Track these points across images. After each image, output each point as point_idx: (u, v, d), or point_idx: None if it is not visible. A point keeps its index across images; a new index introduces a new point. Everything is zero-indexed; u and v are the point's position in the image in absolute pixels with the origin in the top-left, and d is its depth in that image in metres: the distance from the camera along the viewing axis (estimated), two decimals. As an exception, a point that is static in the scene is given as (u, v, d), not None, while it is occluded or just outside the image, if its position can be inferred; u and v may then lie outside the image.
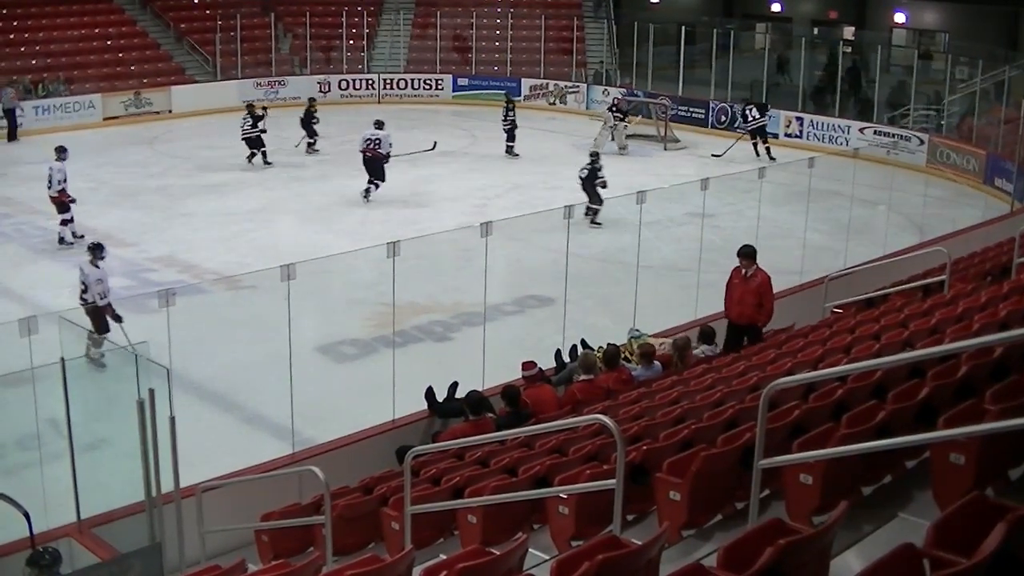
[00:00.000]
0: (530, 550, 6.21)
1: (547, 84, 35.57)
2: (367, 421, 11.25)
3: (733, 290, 12.88)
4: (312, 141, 28.00)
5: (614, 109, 29.42)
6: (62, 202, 19.50)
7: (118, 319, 14.09)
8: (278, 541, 9.29)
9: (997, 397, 6.19)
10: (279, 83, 34.78)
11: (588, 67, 36.54)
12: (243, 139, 26.26)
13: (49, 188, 19.49)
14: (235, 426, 12.96)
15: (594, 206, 20.52)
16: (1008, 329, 8.34)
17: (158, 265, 18.64)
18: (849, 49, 34.16)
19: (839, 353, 9.82)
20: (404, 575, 5.88)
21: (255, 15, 36.42)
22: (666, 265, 17.65)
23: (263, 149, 26.33)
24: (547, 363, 11.92)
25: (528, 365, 11.31)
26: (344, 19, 36.53)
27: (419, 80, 36.41)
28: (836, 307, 13.67)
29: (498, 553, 5.65)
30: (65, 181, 19.46)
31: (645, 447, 7.72)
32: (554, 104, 35.01)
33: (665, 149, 29.33)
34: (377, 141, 23.32)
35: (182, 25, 35.45)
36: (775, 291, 13.13)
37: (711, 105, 32.18)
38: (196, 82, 34.00)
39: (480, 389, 11.01)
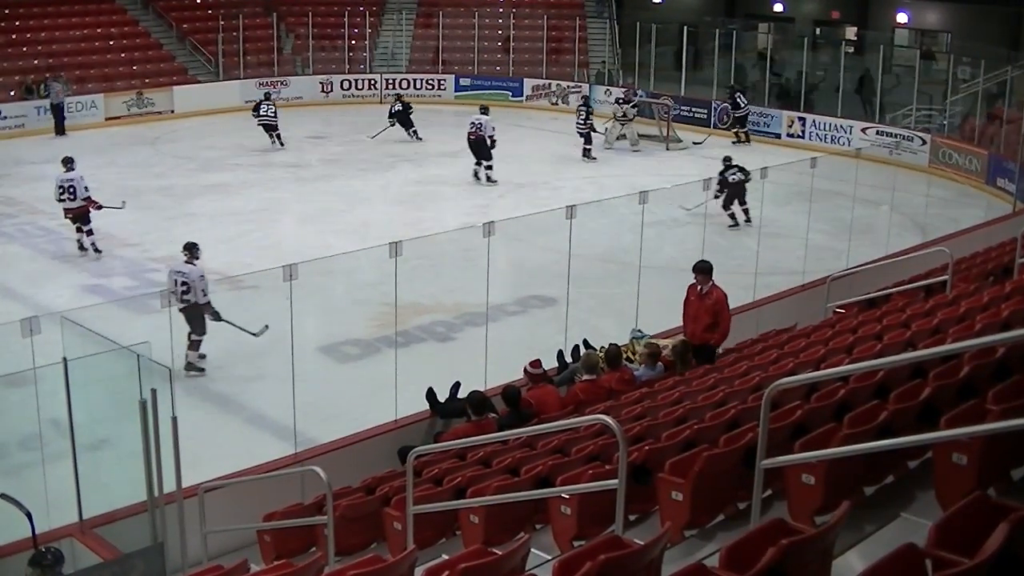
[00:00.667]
0: (532, 550, 6.21)
1: (549, 84, 35.58)
2: (369, 421, 11.25)
3: (688, 307, 12.30)
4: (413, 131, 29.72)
5: (621, 101, 29.51)
6: (85, 212, 18.93)
7: (217, 317, 14.19)
8: (280, 541, 9.30)
9: (999, 397, 6.19)
10: (281, 83, 34.80)
11: (590, 67, 36.54)
12: (260, 124, 28.16)
13: (72, 199, 18.76)
14: (237, 426, 12.96)
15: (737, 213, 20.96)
16: (1010, 329, 8.33)
17: (161, 265, 18.58)
18: (851, 49, 34.12)
19: (841, 353, 9.82)
20: (406, 575, 5.88)
21: (257, 15, 36.44)
22: (668, 265, 17.64)
23: (276, 132, 28.23)
24: (549, 363, 11.91)
25: (535, 364, 11.32)
26: (346, 19, 36.54)
27: (421, 80, 36.41)
28: (838, 307, 13.66)
29: (500, 553, 5.65)
30: (88, 189, 18.95)
31: (647, 447, 7.72)
32: (556, 104, 35.00)
33: (667, 149, 29.33)
34: (480, 124, 25.24)
35: (184, 25, 35.46)
36: (732, 306, 12.61)
37: (713, 105, 32.17)
38: (198, 82, 34.02)
39: (482, 389, 11.00)
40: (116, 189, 23.75)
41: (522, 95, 35.48)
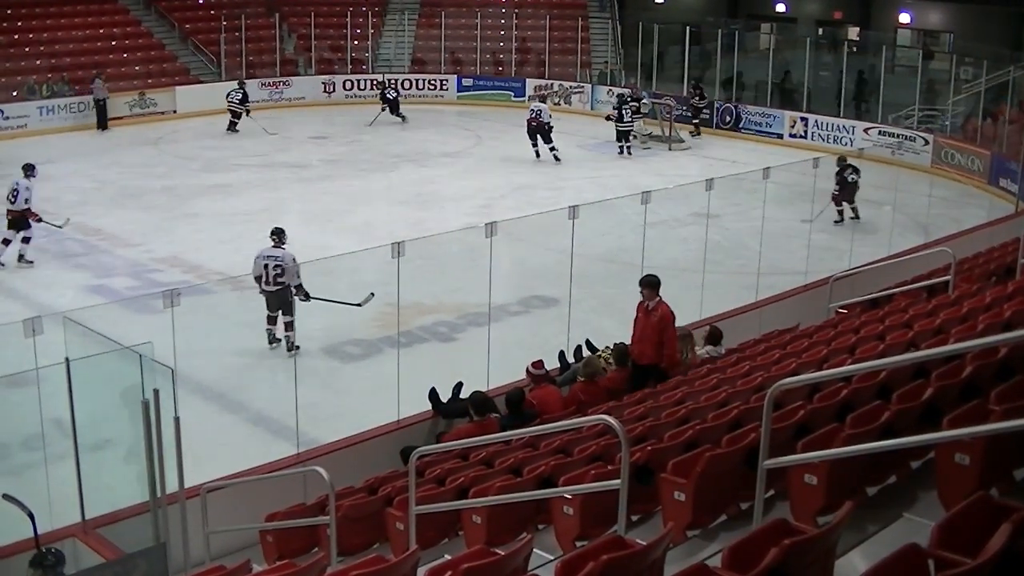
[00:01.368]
0: (535, 550, 6.22)
1: (552, 84, 35.55)
2: (372, 421, 11.24)
3: (635, 326, 11.54)
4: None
5: (630, 99, 29.58)
6: (24, 219, 18.70)
7: (308, 297, 14.52)
8: (283, 541, 9.30)
9: (1002, 397, 6.19)
10: (284, 83, 34.81)
11: (593, 67, 36.55)
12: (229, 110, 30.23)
13: (12, 204, 18.60)
14: (240, 426, 12.96)
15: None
16: (1012, 329, 8.33)
17: (163, 265, 18.65)
18: (854, 49, 34.10)
19: (844, 353, 9.82)
20: (408, 575, 5.88)
21: (260, 15, 36.45)
22: (671, 266, 17.63)
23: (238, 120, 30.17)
24: (551, 364, 11.91)
25: (538, 364, 11.32)
26: (349, 19, 36.54)
27: (423, 80, 36.42)
28: (840, 307, 13.66)
29: (503, 553, 5.65)
30: (30, 200, 18.74)
31: (650, 447, 7.72)
32: (559, 104, 34.95)
33: (670, 149, 29.33)
34: (539, 112, 27.21)
35: (187, 25, 35.48)
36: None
37: (716, 105, 32.17)
38: (201, 82, 34.02)
39: (485, 389, 11.01)
40: (118, 189, 23.85)
41: (524, 95, 35.44)
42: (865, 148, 25.65)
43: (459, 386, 11.39)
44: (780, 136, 30.83)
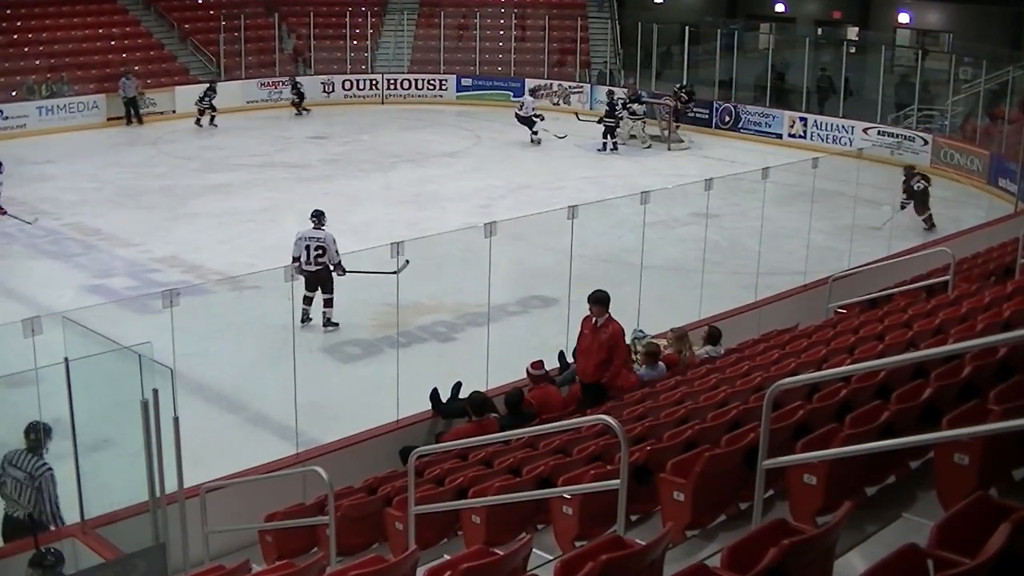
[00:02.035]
0: (534, 550, 6.22)
1: (551, 84, 35.55)
2: (371, 421, 11.24)
3: (581, 342, 11.29)
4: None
5: (630, 99, 29.68)
6: None
7: (344, 271, 15.32)
8: (282, 541, 9.30)
9: (1001, 397, 6.19)
10: (283, 83, 34.79)
11: (592, 67, 36.53)
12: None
13: None
14: (239, 426, 12.97)
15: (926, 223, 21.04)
16: (1012, 329, 8.33)
17: (162, 265, 18.64)
18: (853, 50, 34.11)
19: (843, 353, 9.82)
20: (408, 575, 5.88)
21: (259, 15, 36.42)
22: (670, 266, 17.64)
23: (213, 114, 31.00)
24: (550, 364, 11.90)
25: (537, 364, 11.32)
26: (348, 19, 36.50)
27: (423, 80, 36.40)
28: (840, 307, 13.66)
29: (502, 553, 5.65)
30: None
31: (649, 447, 7.73)
32: (558, 104, 34.97)
33: (669, 149, 29.34)
34: (521, 104, 30.21)
35: (186, 25, 35.46)
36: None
37: (715, 105, 32.17)
38: (200, 82, 33.93)
39: (484, 389, 11.01)
40: (117, 189, 23.84)
41: (523, 95, 35.44)
42: (864, 148, 25.64)
43: (458, 386, 11.38)
44: (779, 136, 30.84)
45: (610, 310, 11.13)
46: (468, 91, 36.12)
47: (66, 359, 8.59)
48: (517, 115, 29.70)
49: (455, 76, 36.38)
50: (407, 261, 14.29)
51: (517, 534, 7.41)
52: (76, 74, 32.03)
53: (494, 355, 12.09)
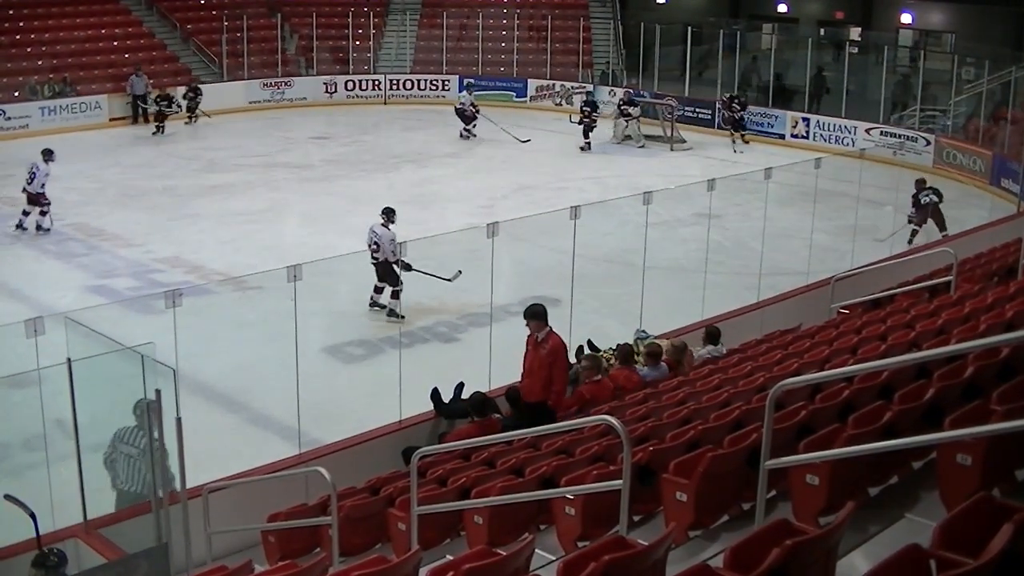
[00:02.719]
0: (536, 551, 6.22)
1: (553, 84, 35.56)
2: (374, 422, 11.24)
3: (525, 359, 10.90)
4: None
5: (622, 104, 29.68)
6: (35, 200, 20.30)
7: (408, 267, 15.44)
8: (284, 542, 9.30)
9: (1003, 398, 6.20)
10: (285, 84, 34.81)
11: (594, 67, 36.53)
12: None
13: (29, 184, 20.23)
14: (241, 427, 12.97)
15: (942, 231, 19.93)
16: (1014, 330, 8.34)
17: (164, 266, 18.65)
18: (855, 50, 34.11)
19: (845, 354, 9.82)
20: (410, 575, 5.89)
21: (261, 16, 36.43)
22: (672, 266, 17.64)
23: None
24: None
25: None
26: (350, 20, 36.51)
27: (425, 80, 36.41)
28: (842, 308, 13.65)
29: (505, 554, 5.65)
30: (45, 185, 20.29)
31: (652, 448, 7.73)
32: (560, 105, 34.96)
33: (671, 150, 29.35)
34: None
35: (188, 26, 35.47)
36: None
37: (717, 106, 32.17)
38: (202, 83, 33.95)
39: (486, 390, 11.01)
40: (120, 189, 23.86)
41: (526, 95, 35.48)
42: (866, 148, 25.64)
43: (460, 386, 11.39)
44: (782, 136, 30.83)
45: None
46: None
47: (69, 360, 8.60)
48: (456, 109, 30.33)
49: (457, 76, 36.34)
50: (460, 272, 15.22)
51: (520, 534, 7.41)
52: (79, 74, 32.03)
53: (496, 355, 12.10)
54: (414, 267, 15.40)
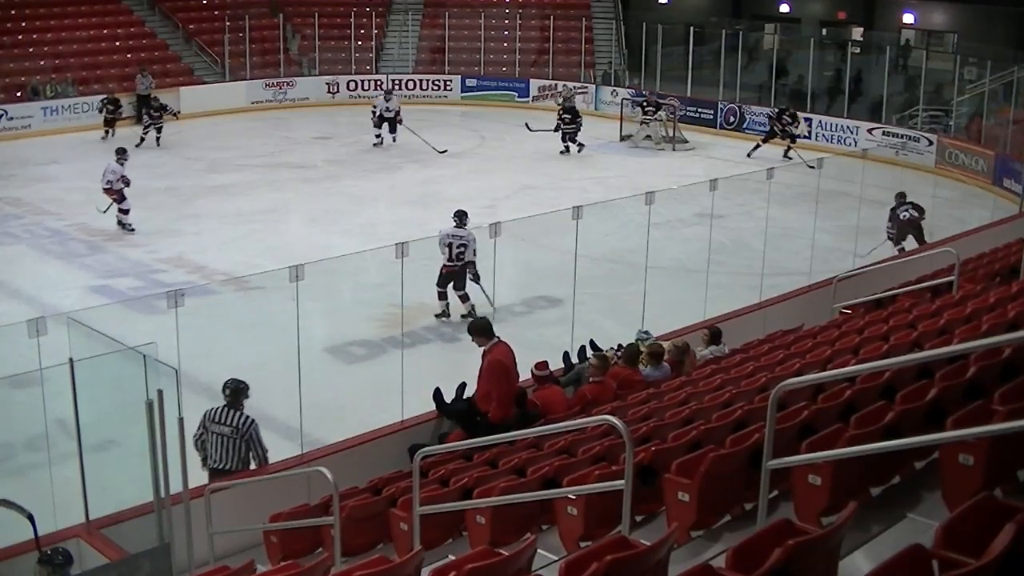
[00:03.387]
0: (539, 551, 6.22)
1: (556, 85, 35.55)
2: (376, 422, 11.24)
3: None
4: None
5: (645, 104, 29.64)
6: (112, 196, 20.53)
7: (477, 278, 15.85)
8: (287, 542, 9.30)
9: (1006, 398, 6.19)
10: (288, 84, 34.84)
11: (596, 68, 36.53)
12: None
13: (102, 182, 20.61)
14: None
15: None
16: (1017, 330, 8.34)
17: (167, 266, 18.67)
18: (858, 50, 34.10)
19: (848, 354, 9.81)
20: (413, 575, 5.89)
21: (264, 16, 36.46)
22: (675, 266, 17.63)
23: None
24: (555, 364, 11.90)
25: (541, 365, 11.32)
26: (353, 20, 36.56)
27: (427, 80, 36.43)
28: (845, 308, 13.64)
29: (507, 554, 5.65)
30: (115, 182, 20.51)
31: (654, 448, 7.72)
32: (562, 105, 34.93)
33: (674, 149, 29.36)
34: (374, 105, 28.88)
35: (191, 26, 35.50)
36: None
37: (719, 106, 32.17)
38: (205, 83, 34.06)
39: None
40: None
41: (528, 95, 35.48)
42: (869, 149, 25.63)
43: (463, 386, 11.38)
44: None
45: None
46: (473, 91, 36.14)
47: (71, 359, 8.61)
48: (381, 116, 28.73)
49: (460, 76, 36.40)
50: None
51: (522, 534, 7.41)
52: (81, 75, 32.07)
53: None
54: (479, 281, 15.89)
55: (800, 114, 29.03)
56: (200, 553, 9.18)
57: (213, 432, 10.11)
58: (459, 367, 12.65)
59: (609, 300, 16.05)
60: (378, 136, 28.65)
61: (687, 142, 29.94)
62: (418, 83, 36.29)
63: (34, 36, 32.85)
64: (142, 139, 28.21)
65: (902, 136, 27.98)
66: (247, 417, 10.18)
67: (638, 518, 7.27)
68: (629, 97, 31.86)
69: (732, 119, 31.91)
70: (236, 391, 10.26)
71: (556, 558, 6.67)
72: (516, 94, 35.70)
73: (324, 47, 36.52)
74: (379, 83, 35.67)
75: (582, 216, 12.69)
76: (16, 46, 32.05)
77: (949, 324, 9.97)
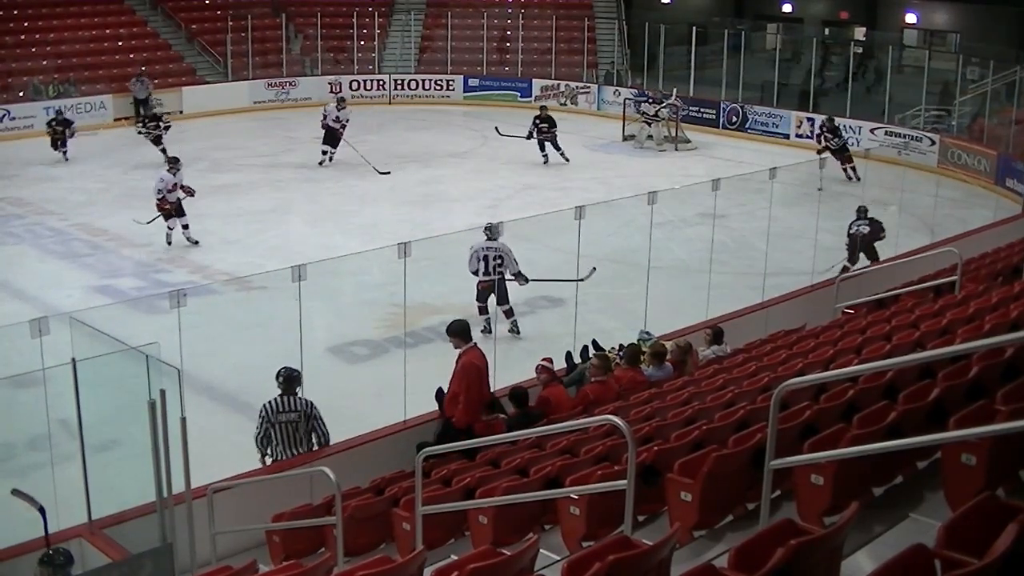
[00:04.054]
0: (541, 551, 6.21)
1: (558, 85, 35.55)
2: (378, 422, 11.25)
3: None
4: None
5: (652, 101, 29.62)
6: (164, 209, 19.77)
7: (526, 280, 15.52)
8: (289, 542, 9.31)
9: (1008, 398, 6.19)
10: (290, 84, 34.85)
11: (599, 68, 36.52)
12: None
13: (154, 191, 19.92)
14: (246, 426, 12.89)
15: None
16: (1019, 330, 8.34)
17: (169, 266, 18.68)
18: (860, 50, 34.09)
19: (850, 354, 9.81)
20: (415, 575, 5.89)
21: (266, 16, 36.48)
22: (677, 266, 17.63)
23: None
24: (558, 364, 11.90)
25: (543, 365, 11.31)
26: (355, 20, 36.56)
27: (430, 81, 36.42)
28: (847, 308, 13.64)
29: (509, 554, 5.65)
30: (166, 192, 19.66)
31: (656, 448, 7.72)
32: (565, 105, 34.93)
33: (676, 149, 29.35)
34: (325, 114, 26.88)
35: (193, 26, 35.53)
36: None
37: (722, 106, 32.16)
38: (207, 83, 34.07)
39: (491, 390, 11.00)
40: (124, 189, 23.86)
41: (531, 96, 35.45)
42: (871, 148, 25.61)
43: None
44: (786, 136, 30.80)
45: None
46: (475, 91, 36.12)
47: (73, 359, 8.61)
48: (329, 126, 26.66)
49: (462, 76, 36.39)
50: (594, 268, 15.06)
51: (524, 534, 7.40)
52: (83, 75, 32.09)
53: (500, 355, 12.10)
54: (533, 278, 15.53)
55: (837, 119, 27.18)
56: (202, 553, 9.18)
57: (280, 423, 10.38)
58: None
59: (611, 300, 16.05)
60: (324, 152, 26.63)
61: (689, 142, 29.93)
62: (420, 83, 36.28)
63: (36, 36, 32.88)
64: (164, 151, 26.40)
65: (905, 136, 27.96)
66: (306, 399, 10.53)
67: (640, 518, 7.27)
68: (631, 97, 31.79)
69: (735, 119, 31.89)
70: (289, 379, 10.50)
71: (558, 558, 6.67)
72: (519, 94, 35.68)
73: (326, 47, 36.53)
74: (381, 83, 35.74)
75: (584, 216, 12.69)
76: (19, 46, 32.08)
77: (951, 324, 9.97)
